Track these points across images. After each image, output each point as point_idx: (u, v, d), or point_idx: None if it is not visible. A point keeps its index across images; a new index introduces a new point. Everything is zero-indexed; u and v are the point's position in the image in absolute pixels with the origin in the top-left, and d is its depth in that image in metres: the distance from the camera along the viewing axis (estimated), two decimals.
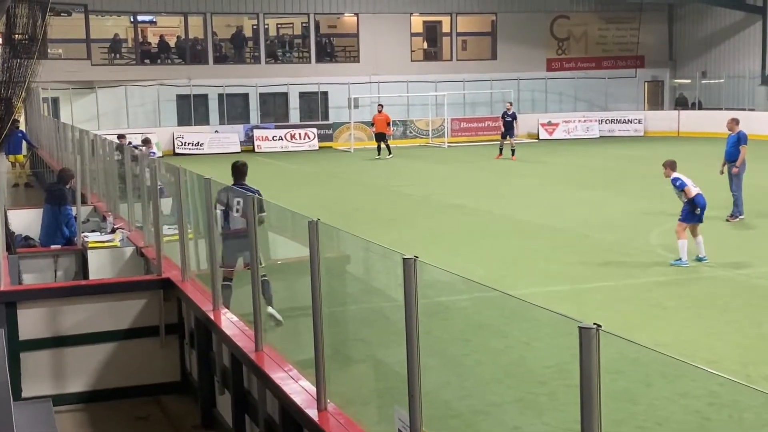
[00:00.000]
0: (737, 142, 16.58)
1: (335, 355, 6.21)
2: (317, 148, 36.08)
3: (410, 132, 38.48)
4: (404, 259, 4.71)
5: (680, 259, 12.57)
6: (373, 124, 33.42)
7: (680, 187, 12.99)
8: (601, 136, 39.09)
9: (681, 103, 42.40)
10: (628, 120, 40.08)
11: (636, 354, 8.63)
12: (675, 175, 13.14)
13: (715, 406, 7.25)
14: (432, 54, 42.54)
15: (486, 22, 42.17)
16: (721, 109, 39.47)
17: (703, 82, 41.66)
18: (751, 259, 13.06)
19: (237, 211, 9.97)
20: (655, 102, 43.73)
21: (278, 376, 6.13)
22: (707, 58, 42.21)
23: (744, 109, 38.29)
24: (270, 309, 9.15)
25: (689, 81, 42.35)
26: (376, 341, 6.67)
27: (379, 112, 32.34)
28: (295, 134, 36.62)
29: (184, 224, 9.27)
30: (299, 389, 5.89)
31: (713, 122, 38.29)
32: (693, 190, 12.94)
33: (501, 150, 30.39)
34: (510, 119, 30.63)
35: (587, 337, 3.21)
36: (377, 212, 18.55)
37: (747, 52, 39.99)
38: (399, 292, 4.93)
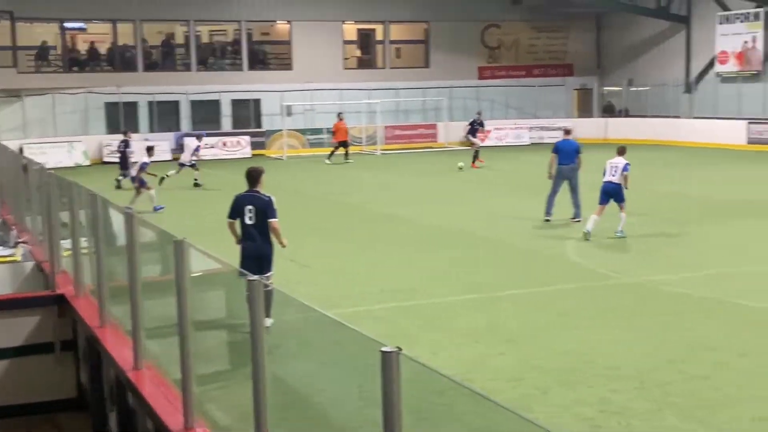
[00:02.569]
0: (578, 149, 17.54)
1: (211, 374, 6.27)
2: (250, 155, 35.95)
3: (333, 141, 38.57)
4: (248, 281, 4.80)
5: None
6: (333, 132, 33.92)
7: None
8: (531, 143, 39.64)
9: (608, 111, 43.26)
10: (558, 127, 40.68)
11: (537, 361, 8.89)
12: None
13: (606, 414, 7.46)
14: (365, 62, 42.72)
15: (419, 30, 42.51)
16: (647, 116, 40.40)
17: (630, 89, 42.55)
18: (657, 266, 13.40)
19: (250, 219, 9.98)
20: (584, 109, 44.50)
21: (152, 395, 6.17)
22: (634, 67, 43.11)
23: (669, 116, 39.22)
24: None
25: (617, 89, 43.22)
26: (242, 361, 6.71)
27: (340, 120, 33.47)
28: (227, 142, 36.47)
29: (77, 239, 9.21)
30: (171, 409, 5.93)
31: (639, 129, 39.23)
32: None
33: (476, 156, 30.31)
34: (478, 126, 30.94)
35: (389, 361, 3.30)
36: (308, 221, 18.57)
37: (672, 60, 40.95)
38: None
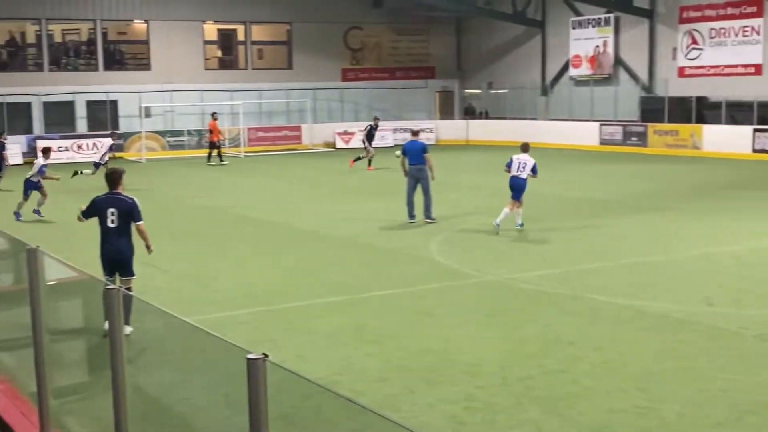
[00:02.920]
0: (423, 149, 17.86)
1: (68, 386, 6.05)
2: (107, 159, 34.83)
3: (206, 142, 37.88)
4: (106, 289, 4.64)
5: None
6: (211, 132, 33.41)
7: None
8: (395, 145, 40.02)
9: (470, 113, 44.27)
10: (422, 129, 41.24)
11: (403, 361, 8.96)
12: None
13: (470, 410, 7.59)
14: (227, 62, 42.18)
15: (281, 32, 42.30)
16: (506, 118, 41.54)
17: (490, 92, 43.66)
18: (516, 264, 13.76)
19: (112, 222, 9.61)
20: (446, 111, 45.38)
21: (5, 410, 5.90)
22: (493, 70, 44.26)
23: (527, 118, 40.45)
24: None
25: (477, 91, 44.26)
26: (101, 372, 6.51)
27: (214, 120, 33.17)
28: (82, 144, 35.23)
29: None
30: (26, 424, 5.69)
31: (499, 130, 40.28)
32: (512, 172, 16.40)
33: (363, 160, 30.13)
34: (375, 132, 30.81)
35: (255, 368, 3.25)
36: (168, 225, 18.14)
37: (529, 64, 42.27)
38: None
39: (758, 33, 32.32)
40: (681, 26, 35.10)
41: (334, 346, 9.61)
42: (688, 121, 33.54)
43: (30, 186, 19.39)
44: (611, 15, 37.54)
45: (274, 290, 12.33)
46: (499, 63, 44.04)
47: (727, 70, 33.51)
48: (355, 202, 21.50)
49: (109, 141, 26.63)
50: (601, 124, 36.65)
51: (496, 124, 41.38)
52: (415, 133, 18.92)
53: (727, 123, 32.33)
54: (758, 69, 32.40)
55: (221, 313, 11.06)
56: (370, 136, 30.40)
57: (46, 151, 20.22)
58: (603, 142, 36.18)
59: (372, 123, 31.41)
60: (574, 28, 39.53)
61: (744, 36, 32.85)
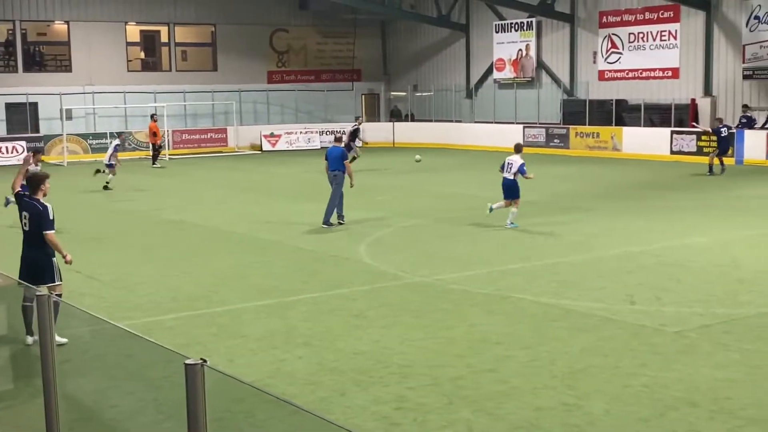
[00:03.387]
0: (342, 156, 18.06)
1: None
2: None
3: (130, 144, 37.32)
4: (37, 295, 4.57)
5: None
6: (154, 134, 33.08)
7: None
8: (322, 147, 39.98)
9: (395, 115, 44.50)
10: (344, 132, 41.35)
11: (334, 363, 9.00)
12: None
13: (402, 411, 7.67)
14: (150, 64, 41.60)
15: (206, 33, 41.92)
16: (431, 120, 41.88)
17: (416, 95, 43.95)
18: (444, 265, 13.90)
19: (25, 225, 9.42)
20: (372, 114, 45.54)
21: None
22: (419, 73, 44.59)
23: (452, 121, 40.85)
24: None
25: (403, 94, 44.51)
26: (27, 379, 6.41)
27: (154, 121, 33.09)
28: (1, 148, 34.33)
29: None
30: None
31: (425, 133, 40.58)
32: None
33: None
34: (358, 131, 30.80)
35: (193, 373, 3.26)
36: (92, 230, 17.84)
37: (453, 67, 42.71)
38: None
39: (675, 37, 33.26)
40: (601, 31, 35.90)
41: (264, 349, 9.58)
42: (609, 123, 34.30)
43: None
44: (533, 19, 38.17)
45: (201, 294, 12.23)
46: (424, 66, 44.39)
47: (645, 74, 34.39)
48: (283, 205, 21.44)
49: (116, 140, 26.57)
50: (525, 127, 37.22)
51: (421, 126, 41.69)
52: (337, 139, 19.04)
53: (646, 125, 33.17)
54: (675, 72, 33.34)
55: (148, 318, 10.93)
56: (354, 136, 30.30)
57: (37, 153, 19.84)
58: (526, 144, 36.56)
59: (356, 124, 31.32)
60: (497, 32, 40.08)
61: (661, 40, 33.76)
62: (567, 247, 15.21)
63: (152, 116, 33.63)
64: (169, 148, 36.80)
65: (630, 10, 34.70)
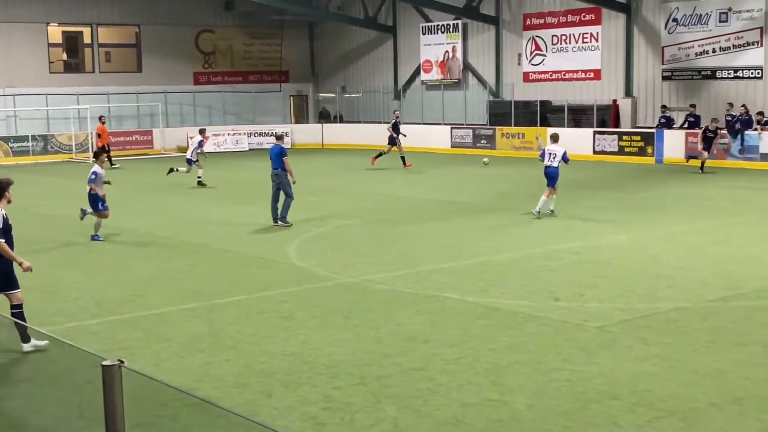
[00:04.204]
0: (280, 153, 18.08)
1: None
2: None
3: (52, 147, 36.58)
4: None
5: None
6: (99, 136, 32.53)
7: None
8: (250, 149, 39.81)
9: (324, 117, 44.47)
10: (285, 132, 41.14)
11: (262, 365, 8.99)
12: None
13: (329, 410, 7.70)
14: (73, 65, 40.77)
15: (129, 34, 41.29)
16: (360, 122, 41.95)
17: (344, 96, 43.98)
18: (373, 266, 13.98)
19: None
20: (301, 115, 45.44)
21: None
22: (347, 74, 44.64)
23: (380, 122, 40.95)
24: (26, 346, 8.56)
25: (331, 95, 44.51)
26: None
27: (102, 123, 32.76)
28: None
29: None
30: None
31: (354, 134, 40.63)
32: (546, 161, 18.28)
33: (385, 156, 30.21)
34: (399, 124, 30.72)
35: (110, 375, 3.25)
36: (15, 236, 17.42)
37: (381, 68, 42.88)
38: None
39: (597, 40, 33.95)
40: (525, 33, 36.44)
41: (190, 353, 9.52)
42: (533, 124, 34.83)
43: None
44: (459, 21, 38.54)
45: (126, 299, 12.08)
46: (352, 67, 44.46)
47: (568, 75, 35.03)
48: (211, 208, 21.26)
49: (198, 137, 26.43)
50: (452, 128, 37.57)
51: (350, 127, 41.73)
52: (278, 138, 18.91)
53: (570, 126, 33.78)
54: (597, 74, 34.04)
55: (72, 324, 10.77)
56: (396, 129, 30.25)
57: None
58: (454, 145, 37.11)
59: (395, 118, 31.23)
60: (424, 34, 40.38)
61: (584, 42, 34.43)
62: (493, 247, 15.42)
63: (100, 118, 33.10)
64: (92, 151, 36.07)
65: (553, 13, 35.32)
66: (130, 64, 41.22)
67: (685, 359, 8.94)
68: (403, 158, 29.73)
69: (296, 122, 44.38)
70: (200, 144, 26.05)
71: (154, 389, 3.97)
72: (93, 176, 16.47)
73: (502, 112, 36.55)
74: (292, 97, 45.36)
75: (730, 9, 29.73)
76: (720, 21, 30.02)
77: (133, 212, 20.61)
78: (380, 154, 30.04)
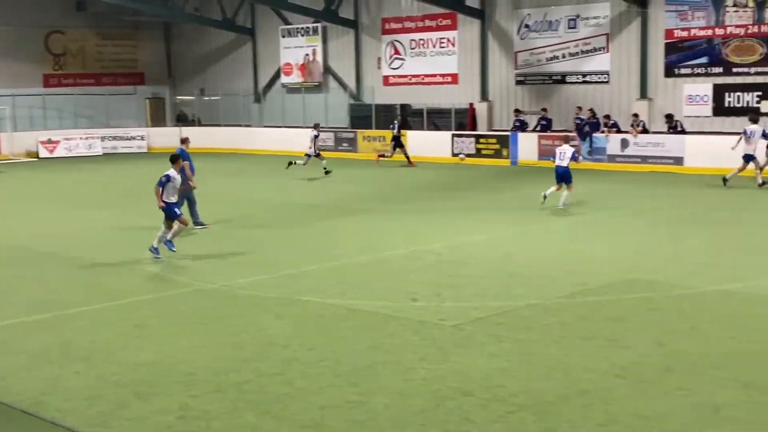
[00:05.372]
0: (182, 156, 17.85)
1: None
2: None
3: None
4: None
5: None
6: None
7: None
8: (104, 153, 38.70)
9: (182, 120, 43.66)
10: (131, 137, 40.18)
11: (115, 376, 8.73)
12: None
13: (185, 419, 7.56)
14: None
15: None
16: (219, 125, 41.41)
17: (203, 99, 43.30)
18: (233, 271, 13.82)
19: None
20: (158, 118, 44.43)
21: None
22: (205, 76, 43.99)
23: (240, 125, 40.58)
24: None
25: (190, 98, 43.75)
26: None
27: None
28: None
29: None
30: None
31: (214, 137, 40.04)
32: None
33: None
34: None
35: None
36: None
37: (241, 71, 42.46)
38: None
39: (453, 45, 34.69)
40: (384, 37, 36.86)
41: (38, 365, 9.15)
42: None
43: None
44: (319, 24, 38.61)
45: None
46: (211, 69, 43.84)
47: (427, 79, 35.64)
48: (63, 215, 20.51)
49: (313, 132, 28.60)
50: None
51: (210, 131, 41.09)
52: (182, 141, 18.49)
53: (429, 129, 34.38)
54: (455, 78, 34.78)
55: None
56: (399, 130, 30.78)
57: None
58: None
59: (397, 121, 31.75)
60: (283, 37, 40.24)
61: (441, 47, 35.11)
62: (353, 249, 15.51)
63: None
64: None
65: (411, 18, 35.85)
66: None
67: (536, 354, 9.25)
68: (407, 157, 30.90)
69: (153, 125, 43.35)
70: (316, 137, 28.22)
71: None
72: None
73: (363, 116, 36.82)
74: (148, 100, 44.31)
75: (578, 16, 30.97)
76: (569, 27, 31.23)
77: None
78: (383, 155, 31.31)
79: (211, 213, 18.51)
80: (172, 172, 14.99)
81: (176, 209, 14.94)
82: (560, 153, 19.79)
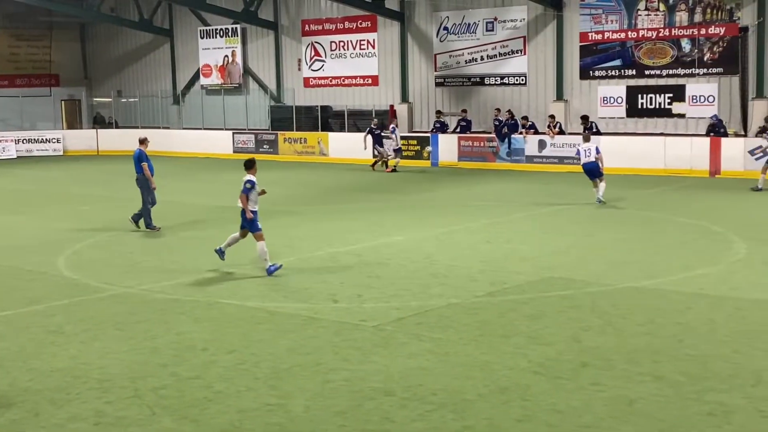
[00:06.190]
0: (139, 158, 17.82)
1: None
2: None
3: None
4: None
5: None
6: None
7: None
8: (18, 157, 37.70)
9: (99, 122, 42.83)
10: (47, 139, 39.25)
11: (27, 383, 8.52)
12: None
13: (101, 426, 7.42)
14: None
15: None
16: (137, 127, 40.70)
17: (120, 100, 42.54)
18: (149, 275, 13.62)
19: None
20: (74, 121, 43.49)
21: None
22: (122, 78, 43.24)
23: (159, 127, 39.99)
24: None
25: (107, 99, 42.93)
26: None
27: None
28: None
29: None
30: None
31: (131, 140, 39.28)
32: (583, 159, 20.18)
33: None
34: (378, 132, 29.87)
35: None
36: None
37: (159, 72, 41.87)
38: None
39: (374, 47, 34.82)
40: (304, 38, 36.77)
41: None
42: (315, 129, 35.23)
43: None
44: (238, 26, 38.31)
45: None
46: (128, 71, 43.11)
47: (347, 81, 35.69)
48: None
49: (392, 125, 29.63)
50: (234, 133, 37.27)
51: (127, 133, 40.33)
52: (140, 141, 18.28)
53: (350, 130, 34.42)
54: (375, 80, 34.92)
55: None
56: (380, 140, 29.69)
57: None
58: (236, 150, 36.78)
59: (372, 125, 30.03)
60: (202, 38, 39.80)
61: (361, 49, 35.20)
62: (272, 251, 15.35)
63: None
64: None
65: (331, 19, 35.84)
66: None
67: (455, 353, 9.34)
68: (385, 162, 29.83)
69: (69, 128, 42.44)
70: (394, 131, 29.18)
71: None
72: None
73: (283, 117, 36.67)
74: (63, 102, 43.34)
75: (496, 18, 31.40)
76: (487, 30, 31.64)
77: None
78: (382, 162, 30.10)
79: (128, 217, 18.21)
80: (253, 177, 13.64)
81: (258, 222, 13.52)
82: (585, 151, 20.29)
